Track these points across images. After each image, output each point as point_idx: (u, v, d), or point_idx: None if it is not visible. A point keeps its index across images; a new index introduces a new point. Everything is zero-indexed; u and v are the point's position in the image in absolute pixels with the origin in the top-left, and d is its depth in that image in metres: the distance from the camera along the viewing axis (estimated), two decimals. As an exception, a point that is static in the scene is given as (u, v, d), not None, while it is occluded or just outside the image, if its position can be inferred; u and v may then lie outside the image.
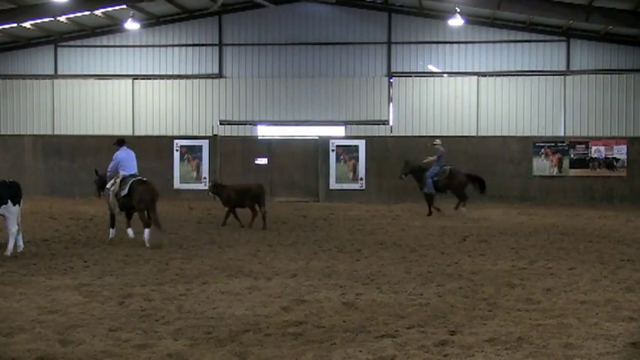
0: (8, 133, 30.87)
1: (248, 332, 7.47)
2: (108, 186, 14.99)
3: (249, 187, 17.91)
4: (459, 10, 28.17)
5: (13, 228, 12.40)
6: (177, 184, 26.59)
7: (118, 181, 14.74)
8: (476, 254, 13.21)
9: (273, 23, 31.80)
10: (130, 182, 14.53)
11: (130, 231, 14.80)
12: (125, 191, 14.46)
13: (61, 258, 12.31)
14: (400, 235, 16.15)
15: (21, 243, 12.65)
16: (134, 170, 14.96)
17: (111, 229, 14.87)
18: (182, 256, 12.71)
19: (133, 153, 15.20)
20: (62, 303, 8.74)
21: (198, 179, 26.17)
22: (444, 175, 20.96)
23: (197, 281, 10.26)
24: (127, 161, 14.95)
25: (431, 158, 21.42)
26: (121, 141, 15.43)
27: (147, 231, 14.11)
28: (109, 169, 15.16)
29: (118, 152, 15.10)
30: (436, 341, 7.15)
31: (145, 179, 14.79)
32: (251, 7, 31.75)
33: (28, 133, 30.19)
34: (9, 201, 12.36)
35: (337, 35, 31.56)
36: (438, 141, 21.86)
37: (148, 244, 13.85)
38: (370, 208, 22.38)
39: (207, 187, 18.27)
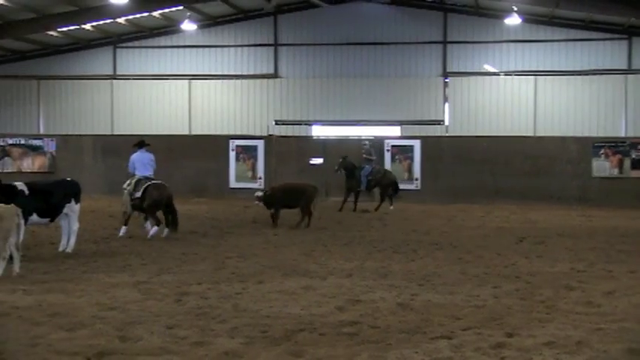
0: (69, 133, 31.50)
1: (303, 331, 7.48)
2: (124, 186, 15.55)
3: (303, 188, 17.82)
4: (515, 9, 27.81)
5: (75, 226, 12.76)
6: (232, 183, 26.80)
7: (133, 182, 15.31)
8: (533, 256, 13.01)
9: (328, 23, 31.86)
10: (145, 185, 15.10)
11: (124, 229, 15.19)
12: (139, 193, 15.03)
13: (119, 256, 12.53)
14: (456, 236, 16.01)
15: (64, 241, 12.92)
16: (147, 172, 15.54)
17: (123, 227, 15.21)
18: (237, 255, 12.81)
19: (149, 155, 15.80)
20: (121, 300, 8.87)
21: (254, 179, 26.32)
22: (379, 174, 22.20)
23: (252, 280, 10.32)
24: (140, 163, 15.59)
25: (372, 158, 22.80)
26: (140, 143, 16.01)
27: (155, 228, 14.90)
28: (129, 169, 15.88)
29: (134, 154, 15.76)
30: (493, 343, 7.06)
31: (159, 183, 15.33)
32: (306, 8, 31.88)
33: (88, 133, 30.75)
34: (72, 200, 12.73)
35: (392, 35, 31.45)
36: (367, 143, 23.37)
37: (149, 238, 14.68)
38: (425, 208, 22.22)
39: (257, 197, 18.13)
